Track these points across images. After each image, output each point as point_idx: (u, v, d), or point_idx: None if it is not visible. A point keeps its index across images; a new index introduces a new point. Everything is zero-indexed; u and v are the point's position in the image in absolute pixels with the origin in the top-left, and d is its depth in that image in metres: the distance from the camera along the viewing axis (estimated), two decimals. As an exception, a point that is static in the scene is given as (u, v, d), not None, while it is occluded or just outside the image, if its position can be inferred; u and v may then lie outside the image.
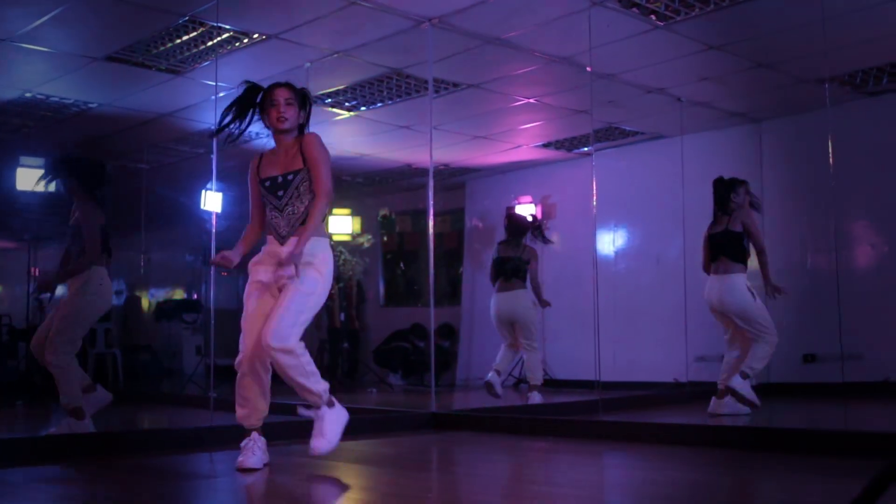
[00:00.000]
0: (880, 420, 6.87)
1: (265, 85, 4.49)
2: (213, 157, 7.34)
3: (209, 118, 9.03)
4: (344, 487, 4.08)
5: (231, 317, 15.44)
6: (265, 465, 4.31)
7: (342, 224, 11.74)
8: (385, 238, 13.57)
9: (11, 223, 13.49)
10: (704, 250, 6.95)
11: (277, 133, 4.44)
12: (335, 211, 11.76)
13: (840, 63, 7.77)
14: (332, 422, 4.35)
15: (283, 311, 4.13)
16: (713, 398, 6.74)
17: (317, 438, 4.27)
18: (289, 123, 4.39)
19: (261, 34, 6.96)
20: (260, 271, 4.36)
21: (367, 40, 7.13)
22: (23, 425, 7.68)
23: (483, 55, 7.44)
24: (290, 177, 4.34)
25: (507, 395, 9.69)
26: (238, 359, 4.28)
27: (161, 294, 14.86)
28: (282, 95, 4.37)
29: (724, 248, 6.74)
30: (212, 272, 7.65)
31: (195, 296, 14.54)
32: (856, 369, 7.50)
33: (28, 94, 8.36)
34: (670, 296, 9.58)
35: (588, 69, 7.55)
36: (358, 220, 12.16)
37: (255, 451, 4.31)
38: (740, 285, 6.63)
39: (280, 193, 4.35)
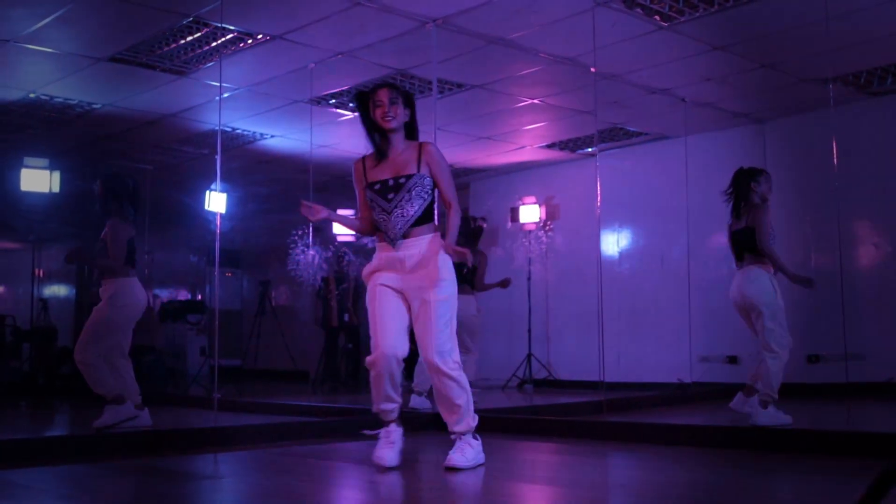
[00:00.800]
0: (884, 420, 6.85)
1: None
2: (218, 157, 7.34)
3: (213, 119, 9.04)
4: (347, 488, 4.09)
5: (235, 318, 15.48)
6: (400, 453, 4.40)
7: (346, 225, 11.73)
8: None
9: (15, 224, 13.52)
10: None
11: (386, 132, 4.37)
12: (338, 211, 11.75)
13: (844, 63, 7.76)
14: (475, 450, 4.36)
15: (434, 325, 4.22)
16: (739, 393, 6.34)
17: (458, 454, 4.29)
18: (395, 122, 4.32)
19: (265, 35, 6.97)
20: (383, 277, 4.35)
21: (372, 41, 7.13)
22: (27, 426, 7.69)
23: (487, 56, 7.45)
24: (401, 180, 4.29)
25: (511, 396, 9.70)
26: (371, 358, 4.30)
27: (165, 295, 14.89)
28: (385, 95, 4.33)
29: (746, 244, 6.23)
30: (216, 273, 7.66)
31: (199, 297, 14.56)
32: (859, 370, 7.48)
33: (32, 95, 8.38)
34: (674, 296, 9.58)
35: (592, 70, 7.55)
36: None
37: (392, 443, 4.39)
38: (762, 276, 6.13)
39: (390, 196, 4.30)
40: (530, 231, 11.30)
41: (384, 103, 4.32)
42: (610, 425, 6.08)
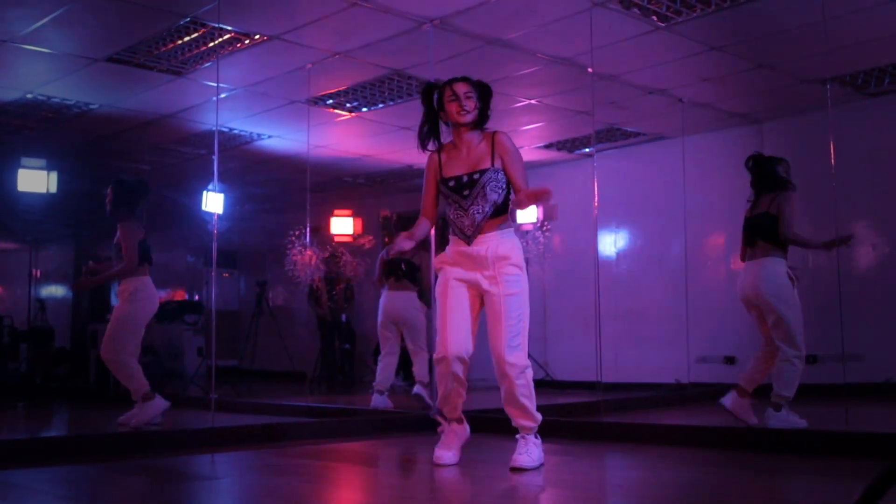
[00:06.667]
0: (881, 421, 6.86)
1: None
2: (215, 158, 7.34)
3: (210, 119, 9.03)
4: (345, 488, 4.09)
5: (232, 318, 15.47)
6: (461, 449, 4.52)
7: (343, 225, 11.76)
8: (386, 239, 13.56)
9: (13, 225, 13.52)
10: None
11: (458, 126, 4.38)
12: (336, 211, 11.75)
13: (841, 64, 7.77)
14: (538, 450, 4.36)
15: (506, 321, 4.18)
16: (732, 392, 6.04)
17: (521, 455, 4.27)
18: (470, 116, 4.34)
19: (262, 35, 6.96)
20: (456, 271, 4.35)
21: (369, 41, 7.13)
22: (23, 427, 7.68)
23: (484, 56, 7.44)
24: (475, 176, 4.30)
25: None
26: (438, 355, 4.31)
27: (162, 295, 14.85)
28: (461, 89, 4.35)
29: (760, 231, 5.97)
30: (213, 274, 7.65)
31: (196, 297, 14.55)
32: (857, 370, 7.49)
33: (29, 96, 8.37)
34: (672, 297, 9.59)
35: (589, 70, 7.55)
36: (359, 221, 12.18)
37: (451, 443, 4.47)
38: (779, 270, 5.89)
39: (466, 193, 4.29)
40: (527, 231, 11.29)
41: (459, 97, 4.33)
42: (607, 426, 6.08)
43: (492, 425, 6.28)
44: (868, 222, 8.78)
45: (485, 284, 4.26)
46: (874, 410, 7.28)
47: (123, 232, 6.49)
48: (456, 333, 4.25)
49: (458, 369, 4.28)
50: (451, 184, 4.34)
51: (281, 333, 11.52)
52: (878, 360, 8.15)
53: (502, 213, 4.33)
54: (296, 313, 13.49)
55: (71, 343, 13.93)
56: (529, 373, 4.26)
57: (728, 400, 6.04)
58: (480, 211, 4.27)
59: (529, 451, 4.27)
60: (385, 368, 8.07)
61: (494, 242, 4.25)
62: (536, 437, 4.36)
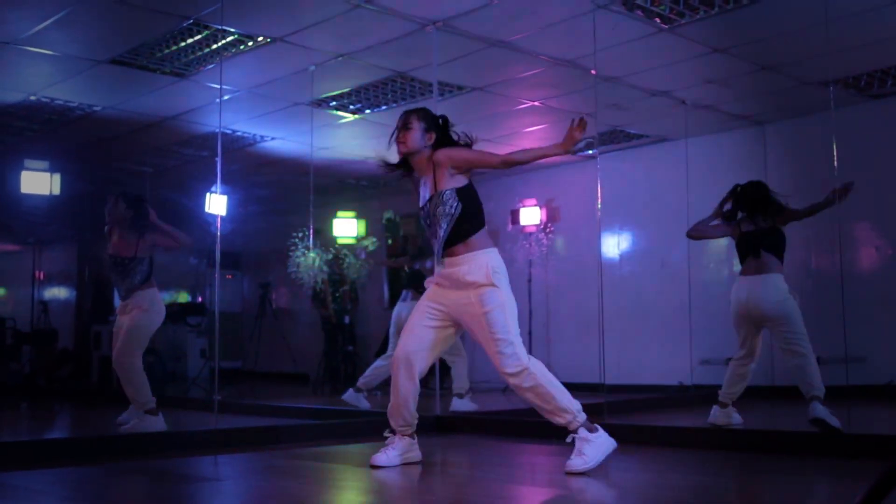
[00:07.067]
0: (884, 423, 6.85)
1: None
2: (218, 160, 7.34)
3: (213, 121, 9.04)
4: (348, 490, 4.09)
5: (235, 320, 15.42)
6: (403, 464, 4.50)
7: (346, 227, 11.75)
8: (389, 241, 13.57)
9: (16, 227, 13.52)
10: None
11: (405, 157, 4.56)
12: (339, 213, 11.75)
13: (844, 66, 7.76)
14: (594, 444, 4.24)
15: (491, 336, 4.26)
16: (715, 407, 6.25)
17: (573, 458, 4.20)
18: (405, 147, 4.48)
19: (265, 37, 6.97)
20: (434, 291, 4.47)
21: (372, 43, 7.13)
22: (27, 428, 7.69)
23: (487, 58, 7.44)
24: (427, 206, 4.43)
25: (511, 399, 9.69)
26: (392, 358, 4.51)
27: (165, 297, 14.83)
28: (400, 121, 4.53)
29: (770, 245, 6.25)
30: (216, 275, 7.66)
31: (199, 299, 14.54)
32: (860, 372, 7.48)
33: (32, 98, 8.37)
34: (675, 299, 9.58)
35: (592, 72, 7.55)
36: (363, 223, 12.16)
37: (387, 450, 4.49)
38: (782, 283, 6.13)
39: (428, 221, 4.45)
40: (531, 233, 11.30)
41: (398, 128, 4.50)
42: (610, 428, 6.06)
43: (492, 427, 6.29)
44: (870, 224, 8.77)
45: (461, 310, 4.35)
46: (876, 412, 7.27)
47: (155, 238, 7.04)
48: (409, 342, 4.41)
49: (405, 372, 4.39)
50: (421, 213, 4.52)
51: (284, 335, 11.54)
52: (881, 363, 8.15)
53: (468, 234, 4.35)
54: (299, 315, 13.50)
55: (74, 344, 13.93)
56: (534, 375, 4.25)
57: (722, 418, 6.22)
58: (437, 236, 4.38)
59: (583, 450, 4.19)
60: (376, 370, 8.00)
61: (465, 267, 4.31)
62: (592, 431, 4.25)
